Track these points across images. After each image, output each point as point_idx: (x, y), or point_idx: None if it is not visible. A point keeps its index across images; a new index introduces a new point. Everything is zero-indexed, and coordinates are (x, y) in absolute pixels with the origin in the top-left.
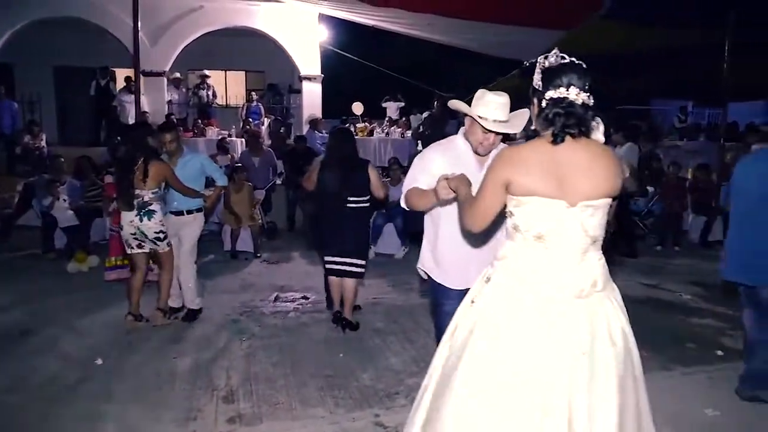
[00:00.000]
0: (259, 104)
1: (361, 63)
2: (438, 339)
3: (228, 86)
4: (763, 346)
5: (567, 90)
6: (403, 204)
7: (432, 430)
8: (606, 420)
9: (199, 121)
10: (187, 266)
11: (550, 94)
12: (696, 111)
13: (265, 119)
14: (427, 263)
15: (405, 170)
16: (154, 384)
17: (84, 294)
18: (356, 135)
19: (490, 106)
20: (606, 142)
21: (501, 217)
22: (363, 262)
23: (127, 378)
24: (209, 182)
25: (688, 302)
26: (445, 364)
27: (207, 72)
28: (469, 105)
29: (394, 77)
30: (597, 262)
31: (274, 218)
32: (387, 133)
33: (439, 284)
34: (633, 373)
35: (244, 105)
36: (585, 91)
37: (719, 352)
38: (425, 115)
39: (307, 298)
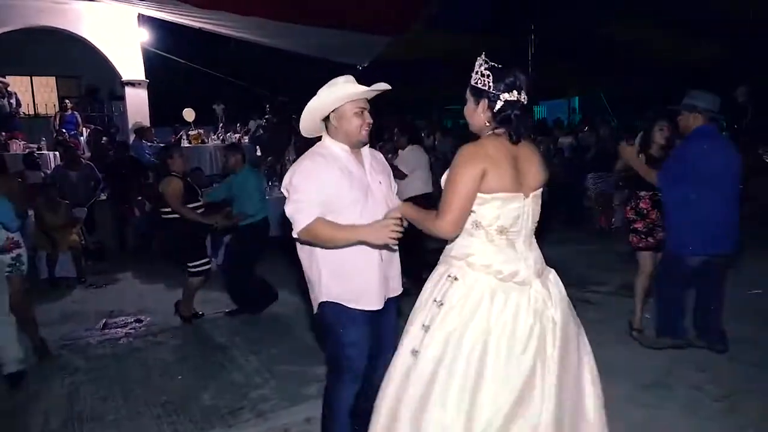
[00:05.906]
0: (75, 113)
1: (192, 67)
2: (338, 370)
3: (35, 93)
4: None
5: (519, 93)
6: (303, 235)
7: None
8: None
9: (1, 133)
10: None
11: (506, 96)
12: None
13: (84, 129)
14: (345, 295)
15: None
16: None
17: None
18: (189, 143)
19: (345, 82)
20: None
21: None
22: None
23: None
24: None
25: None
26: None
27: (5, 78)
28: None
29: (227, 81)
30: (536, 243)
31: (101, 238)
32: (223, 140)
33: (348, 313)
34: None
35: (57, 114)
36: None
37: None
38: (265, 119)
39: (141, 321)
